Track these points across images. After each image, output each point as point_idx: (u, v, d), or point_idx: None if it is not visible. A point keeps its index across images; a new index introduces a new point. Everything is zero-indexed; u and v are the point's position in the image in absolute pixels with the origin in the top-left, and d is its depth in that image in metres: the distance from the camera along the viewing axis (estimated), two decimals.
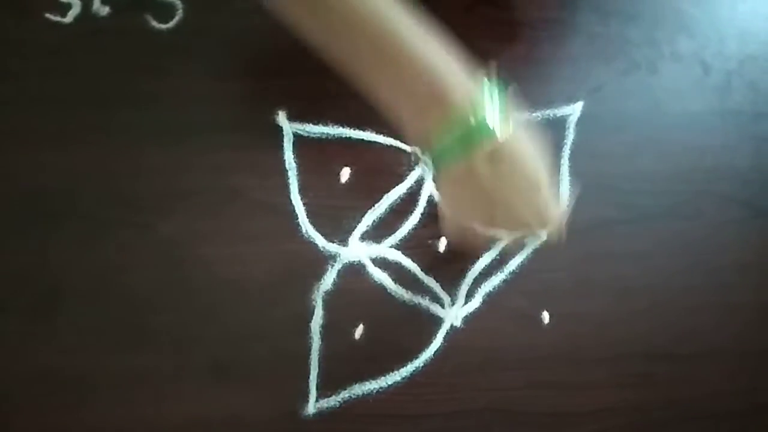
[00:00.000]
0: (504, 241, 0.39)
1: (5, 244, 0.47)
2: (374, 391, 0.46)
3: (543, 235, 0.39)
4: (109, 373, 0.44)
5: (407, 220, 0.50)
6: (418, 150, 0.51)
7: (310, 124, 0.50)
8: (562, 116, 0.54)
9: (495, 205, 0.36)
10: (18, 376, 0.44)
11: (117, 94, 0.51)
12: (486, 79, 0.36)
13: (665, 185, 0.52)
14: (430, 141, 0.35)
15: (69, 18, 0.52)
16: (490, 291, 0.49)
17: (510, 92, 0.37)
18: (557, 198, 0.39)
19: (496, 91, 0.35)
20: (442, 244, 0.49)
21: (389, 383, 0.46)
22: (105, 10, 0.53)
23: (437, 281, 0.48)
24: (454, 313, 0.48)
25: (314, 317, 0.47)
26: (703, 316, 0.49)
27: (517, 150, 0.35)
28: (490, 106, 0.34)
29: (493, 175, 0.35)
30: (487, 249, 0.43)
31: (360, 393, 0.46)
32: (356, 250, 0.49)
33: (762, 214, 0.52)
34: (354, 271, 0.48)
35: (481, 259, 0.49)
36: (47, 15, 0.52)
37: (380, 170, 0.50)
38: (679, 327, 0.49)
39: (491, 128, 0.34)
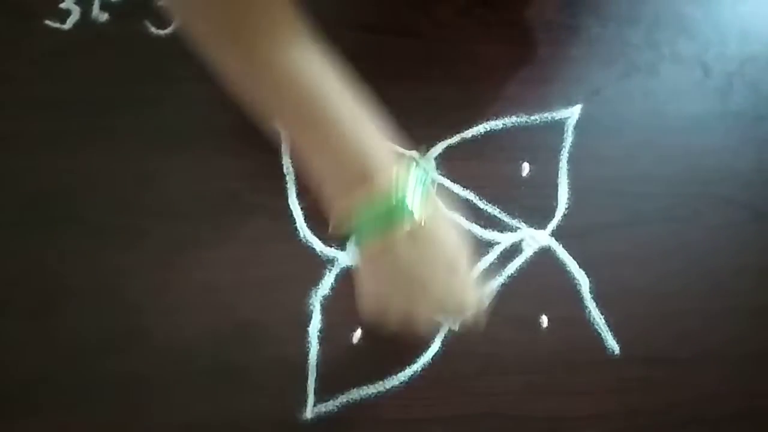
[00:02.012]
0: (420, 322, 0.38)
1: (4, 246, 0.47)
2: (372, 396, 0.46)
3: (456, 322, 0.38)
4: (107, 377, 0.45)
5: None
6: (415, 155, 0.51)
7: None
8: (560, 119, 0.53)
9: (412, 284, 0.35)
10: (16, 378, 0.44)
11: (115, 100, 0.51)
12: (411, 159, 0.36)
13: (665, 188, 0.52)
14: (349, 216, 0.35)
15: (68, 24, 0.52)
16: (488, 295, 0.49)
17: (434, 173, 0.36)
18: (477, 283, 0.38)
19: (420, 172, 0.35)
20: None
21: (387, 388, 0.46)
22: (104, 17, 0.53)
23: None
24: (452, 318, 0.48)
25: (312, 322, 0.47)
26: (702, 320, 0.49)
27: (437, 232, 0.35)
28: (413, 186, 0.34)
29: (412, 254, 0.34)
30: (404, 329, 0.39)
31: (358, 398, 0.46)
32: (354, 254, 0.49)
33: (762, 217, 0.52)
34: (352, 275, 0.48)
35: (479, 263, 0.49)
36: (47, 22, 0.52)
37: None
38: (678, 330, 0.48)
39: (412, 209, 0.33)
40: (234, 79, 0.35)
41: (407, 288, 0.35)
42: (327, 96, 0.33)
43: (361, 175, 0.33)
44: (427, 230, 0.34)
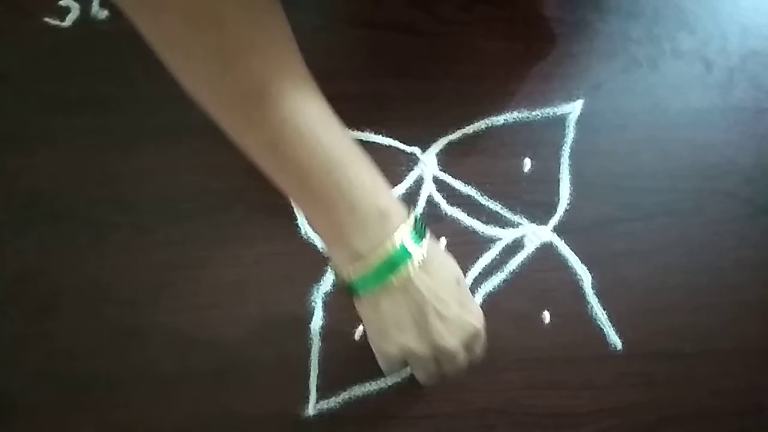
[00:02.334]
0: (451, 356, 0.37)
1: (3, 246, 0.47)
2: (374, 392, 0.46)
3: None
4: (108, 376, 0.45)
5: None
6: (417, 151, 0.51)
7: None
8: (562, 114, 0.53)
9: (435, 306, 0.35)
10: (17, 378, 0.44)
11: (116, 97, 0.51)
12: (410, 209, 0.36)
13: (666, 183, 0.52)
14: (350, 269, 0.35)
15: (68, 22, 0.52)
16: (490, 291, 0.49)
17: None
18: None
19: (416, 217, 0.36)
20: None
21: (389, 384, 0.46)
22: (103, 14, 0.53)
23: None
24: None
25: (314, 319, 0.47)
26: (705, 315, 0.48)
27: (437, 253, 0.37)
28: (411, 237, 0.35)
29: (427, 280, 0.35)
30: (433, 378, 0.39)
31: (360, 394, 0.46)
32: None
33: (764, 212, 0.51)
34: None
35: (481, 259, 0.49)
36: (46, 19, 0.52)
37: (379, 171, 0.50)
38: (680, 326, 0.48)
39: (415, 247, 0.35)
40: (241, 144, 0.35)
41: (428, 313, 0.35)
42: (340, 165, 0.34)
43: (369, 246, 0.34)
44: (430, 255, 0.36)
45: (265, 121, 0.32)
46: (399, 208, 0.36)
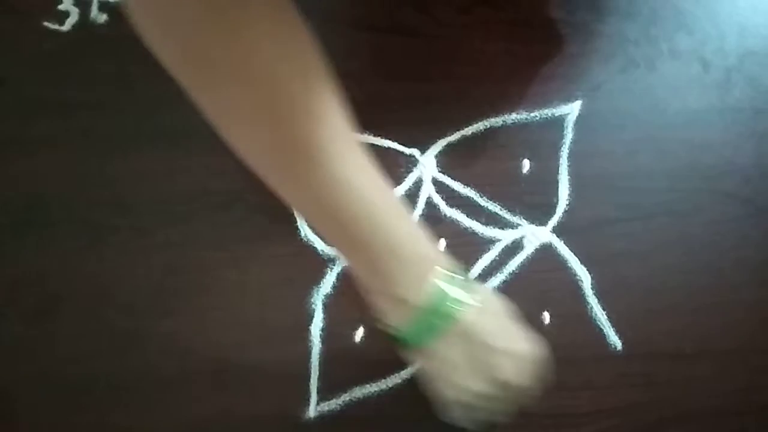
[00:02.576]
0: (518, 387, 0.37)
1: (3, 249, 0.47)
2: (375, 394, 0.46)
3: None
4: (107, 378, 0.45)
5: None
6: (416, 152, 0.51)
7: None
8: (560, 115, 0.53)
9: (484, 350, 0.36)
10: (17, 381, 0.44)
11: (114, 99, 0.51)
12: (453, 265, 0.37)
13: (665, 183, 0.52)
14: (396, 315, 0.36)
15: (67, 26, 0.52)
16: None
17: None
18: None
19: (457, 269, 0.36)
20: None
21: (390, 385, 0.46)
22: (102, 18, 0.53)
23: None
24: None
25: (314, 321, 0.47)
26: (704, 315, 0.48)
27: (487, 293, 0.38)
28: (451, 267, 0.36)
29: (487, 321, 0.36)
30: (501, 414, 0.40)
31: (361, 396, 0.46)
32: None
33: (763, 212, 0.51)
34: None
35: (480, 260, 0.49)
36: (45, 23, 0.52)
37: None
38: (679, 325, 0.48)
39: (459, 288, 0.35)
40: (283, 194, 0.36)
41: (484, 350, 0.36)
42: (381, 214, 0.35)
43: (411, 290, 0.35)
44: (481, 295, 0.36)
45: (309, 174, 0.33)
46: (438, 252, 0.36)
